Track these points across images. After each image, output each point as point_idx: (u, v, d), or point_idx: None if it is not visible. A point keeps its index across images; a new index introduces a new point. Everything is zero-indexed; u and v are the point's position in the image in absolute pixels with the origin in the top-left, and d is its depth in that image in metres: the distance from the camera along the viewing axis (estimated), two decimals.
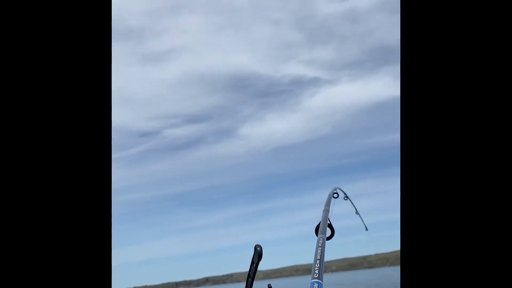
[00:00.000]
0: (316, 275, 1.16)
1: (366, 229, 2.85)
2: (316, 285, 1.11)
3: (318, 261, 1.22)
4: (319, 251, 1.28)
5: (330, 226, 1.58)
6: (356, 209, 2.57)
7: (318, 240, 1.36)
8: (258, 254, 1.07)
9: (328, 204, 1.77)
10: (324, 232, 1.44)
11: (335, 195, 1.99)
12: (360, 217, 2.63)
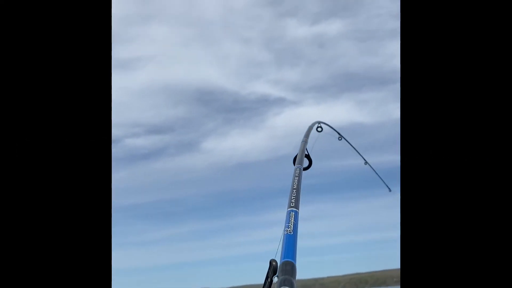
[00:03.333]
0: (292, 204, 1.13)
1: (390, 190, 2.67)
2: (292, 213, 1.08)
3: (294, 190, 1.19)
4: (295, 180, 1.25)
5: (307, 157, 1.55)
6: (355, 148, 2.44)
7: (295, 170, 1.32)
8: (273, 269, 1.02)
9: (307, 135, 1.72)
10: (301, 162, 1.40)
11: (319, 129, 1.92)
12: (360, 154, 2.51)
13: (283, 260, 0.90)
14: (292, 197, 1.15)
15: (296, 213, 1.08)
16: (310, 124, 1.96)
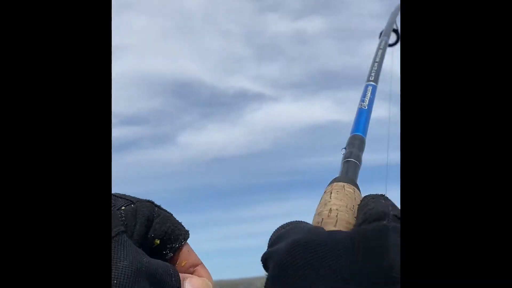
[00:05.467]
0: (371, 77, 1.04)
1: None
2: (370, 87, 1.00)
3: (376, 63, 1.09)
4: (379, 53, 1.14)
5: (396, 32, 1.40)
6: None
7: (380, 42, 1.20)
8: None
9: (396, 12, 1.54)
10: (387, 35, 1.27)
11: None
12: None
13: (351, 134, 0.83)
14: (372, 71, 1.05)
15: (374, 88, 0.99)
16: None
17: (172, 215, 0.54)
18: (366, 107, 0.93)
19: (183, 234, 0.54)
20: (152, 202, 0.52)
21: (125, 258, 0.44)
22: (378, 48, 1.15)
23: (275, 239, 0.51)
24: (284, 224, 0.53)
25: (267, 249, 0.51)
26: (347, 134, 0.83)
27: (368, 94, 0.97)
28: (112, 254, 0.44)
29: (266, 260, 0.49)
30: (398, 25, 1.45)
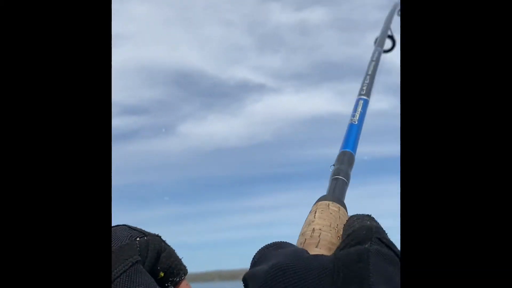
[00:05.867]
0: (363, 91, 1.03)
1: None
2: (361, 101, 0.99)
3: (368, 76, 1.08)
4: (371, 65, 1.13)
5: (391, 37, 1.40)
6: None
7: (373, 53, 1.20)
8: None
9: (389, 18, 1.54)
10: (381, 44, 1.26)
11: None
12: None
13: (341, 150, 0.83)
14: (364, 84, 1.05)
15: (365, 102, 1.00)
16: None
17: (174, 250, 0.58)
18: (357, 122, 0.93)
19: (183, 270, 0.58)
20: (160, 237, 0.56)
21: (142, 283, 0.48)
22: (371, 60, 1.15)
23: (257, 260, 0.52)
24: (267, 245, 0.53)
25: (249, 269, 0.52)
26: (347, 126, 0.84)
27: (359, 109, 0.97)
28: (130, 280, 0.47)
29: (246, 281, 0.50)
30: (392, 31, 1.44)
